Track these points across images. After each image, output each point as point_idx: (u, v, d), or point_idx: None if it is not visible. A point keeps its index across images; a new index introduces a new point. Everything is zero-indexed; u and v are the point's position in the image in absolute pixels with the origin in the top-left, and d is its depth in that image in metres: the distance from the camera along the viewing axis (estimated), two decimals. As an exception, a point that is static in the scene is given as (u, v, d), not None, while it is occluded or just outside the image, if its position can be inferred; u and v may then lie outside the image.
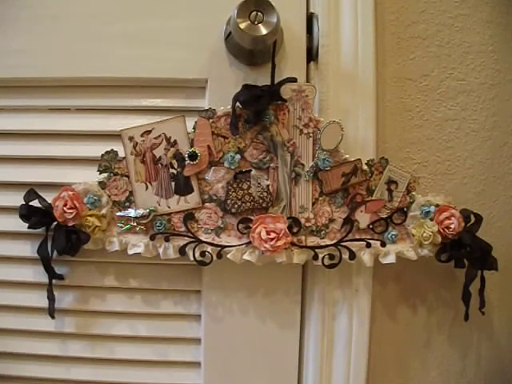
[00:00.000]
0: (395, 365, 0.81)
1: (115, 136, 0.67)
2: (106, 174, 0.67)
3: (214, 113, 0.66)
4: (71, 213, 0.65)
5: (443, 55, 0.76)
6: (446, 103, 0.77)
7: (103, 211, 0.67)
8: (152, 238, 0.67)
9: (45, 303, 0.70)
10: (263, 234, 0.65)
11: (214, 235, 0.68)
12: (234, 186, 0.67)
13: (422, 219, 0.68)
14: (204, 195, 0.68)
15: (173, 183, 0.67)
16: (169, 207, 0.67)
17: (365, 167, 0.68)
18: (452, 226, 0.68)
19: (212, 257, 0.67)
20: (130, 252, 0.67)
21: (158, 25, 0.69)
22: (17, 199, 0.68)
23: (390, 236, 0.69)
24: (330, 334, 0.74)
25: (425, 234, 0.68)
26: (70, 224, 0.66)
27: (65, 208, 0.65)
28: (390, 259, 0.69)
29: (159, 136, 0.67)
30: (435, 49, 0.76)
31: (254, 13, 0.62)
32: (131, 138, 0.66)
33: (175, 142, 0.67)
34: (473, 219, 0.71)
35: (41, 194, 0.68)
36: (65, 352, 0.75)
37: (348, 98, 0.70)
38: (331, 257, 0.68)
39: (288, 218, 0.67)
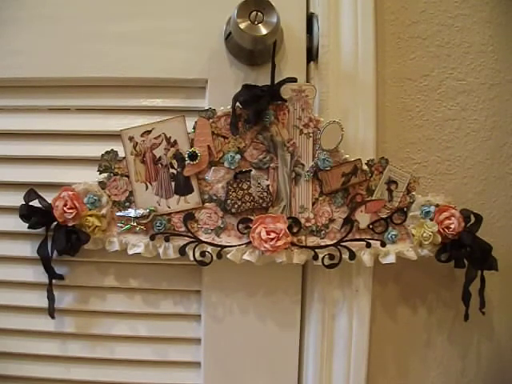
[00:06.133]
0: (395, 365, 0.81)
1: (115, 136, 0.67)
2: (106, 174, 0.67)
3: (214, 113, 0.66)
4: (71, 213, 0.65)
5: (443, 55, 0.76)
6: (445, 103, 0.77)
7: (103, 211, 0.67)
8: (152, 238, 0.67)
9: (45, 303, 0.70)
10: (263, 234, 0.65)
11: (214, 235, 0.68)
12: (234, 185, 0.67)
13: (422, 219, 0.68)
14: (204, 195, 0.68)
15: (173, 183, 0.67)
16: (169, 207, 0.67)
17: (365, 167, 0.68)
18: (452, 226, 0.68)
19: (212, 257, 0.67)
20: (130, 252, 0.67)
21: (158, 25, 0.69)
22: (17, 199, 0.68)
23: (389, 236, 0.69)
24: (330, 334, 0.74)
25: (425, 234, 0.68)
26: (70, 224, 0.66)
27: (65, 208, 0.65)
28: (390, 259, 0.69)
29: (159, 136, 0.67)
30: (435, 49, 0.76)
31: (254, 13, 0.62)
32: (131, 138, 0.66)
33: (175, 142, 0.67)
34: (473, 219, 0.71)
35: (41, 194, 0.68)
36: (65, 352, 0.75)
37: (348, 98, 0.70)
38: (331, 257, 0.68)
39: (288, 218, 0.67)
